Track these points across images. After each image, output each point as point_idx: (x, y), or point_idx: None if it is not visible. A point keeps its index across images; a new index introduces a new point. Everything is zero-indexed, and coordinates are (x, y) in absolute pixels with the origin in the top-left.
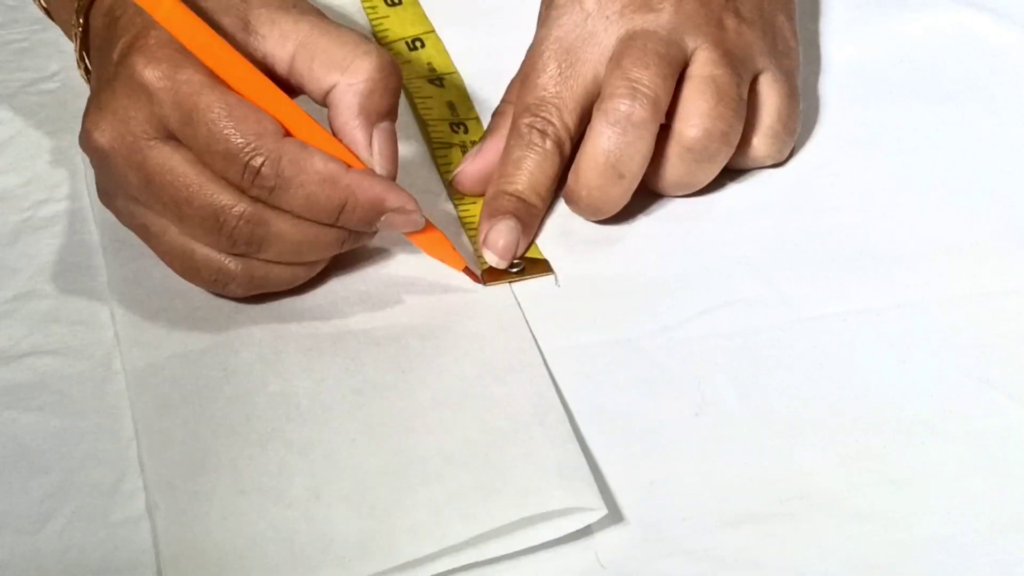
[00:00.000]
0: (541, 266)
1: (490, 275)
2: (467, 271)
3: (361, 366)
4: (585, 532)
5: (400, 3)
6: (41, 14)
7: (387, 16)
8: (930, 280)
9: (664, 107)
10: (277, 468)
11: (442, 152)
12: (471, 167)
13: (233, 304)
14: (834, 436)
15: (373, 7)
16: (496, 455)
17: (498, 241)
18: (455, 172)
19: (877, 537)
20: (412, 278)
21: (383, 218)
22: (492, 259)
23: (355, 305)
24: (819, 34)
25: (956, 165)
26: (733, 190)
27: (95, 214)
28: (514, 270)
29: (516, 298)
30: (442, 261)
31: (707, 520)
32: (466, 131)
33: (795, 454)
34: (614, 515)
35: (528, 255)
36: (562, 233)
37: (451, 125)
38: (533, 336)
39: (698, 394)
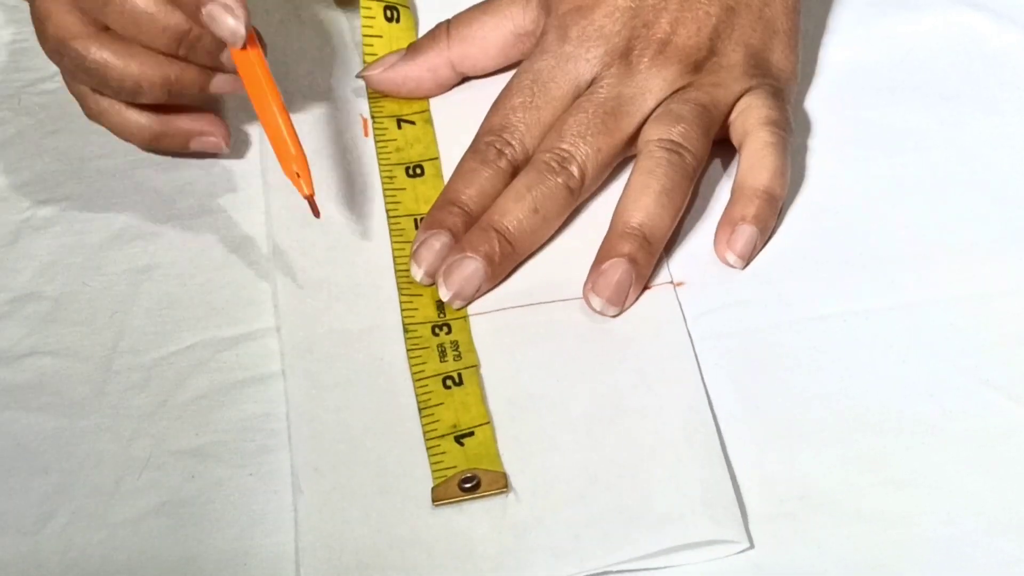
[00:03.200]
0: (496, 480)
1: (441, 497)
2: (310, 201)
3: (517, 372)
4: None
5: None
6: None
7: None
8: (930, 281)
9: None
10: (423, 473)
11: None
12: (384, 75)
13: (392, 284)
14: (834, 436)
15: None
16: (642, 476)
17: (428, 258)
18: (367, 71)
19: (877, 537)
20: (572, 278)
21: (204, 9)
22: (417, 273)
23: (515, 297)
24: (818, 35)
25: (956, 165)
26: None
27: (263, 164)
28: (467, 486)
29: (678, 298)
30: (276, 148)
31: None
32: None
33: (795, 454)
34: None
35: (485, 467)
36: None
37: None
38: (691, 341)
39: None
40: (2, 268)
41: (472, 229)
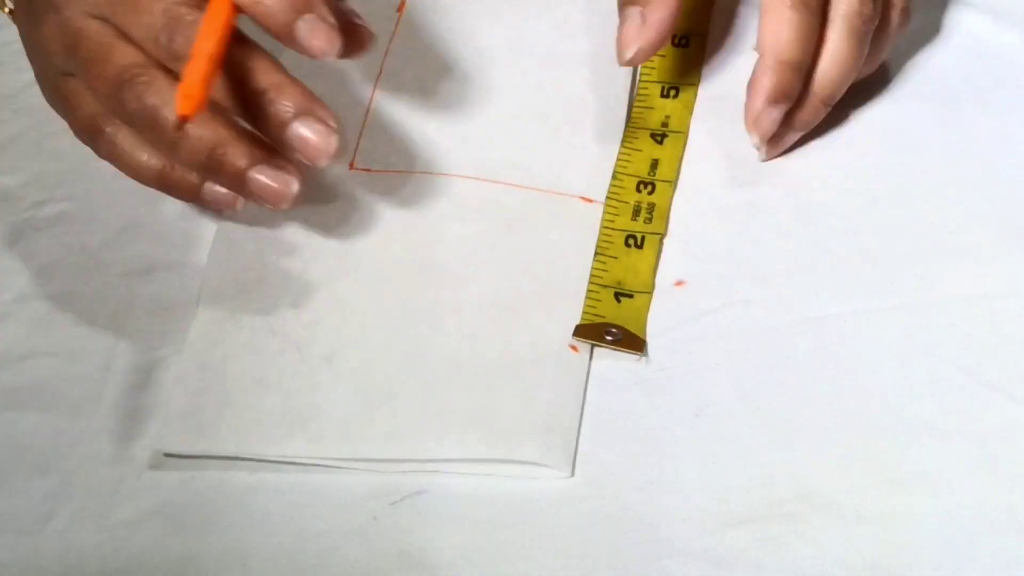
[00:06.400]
0: (636, 343)
1: (582, 334)
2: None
3: (436, 238)
4: (584, 530)
5: (688, 46)
6: None
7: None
8: (930, 281)
9: None
10: (307, 322)
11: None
12: (646, 41)
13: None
14: (834, 436)
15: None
16: (500, 384)
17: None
18: (630, 51)
19: (877, 537)
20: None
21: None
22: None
23: (461, 166)
24: None
25: (956, 166)
26: (732, 190)
27: None
28: (609, 338)
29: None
30: None
31: (707, 520)
32: (652, 191)
33: (795, 454)
34: (613, 515)
35: (630, 328)
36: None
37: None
38: (593, 256)
39: (698, 394)
40: (2, 268)
41: None
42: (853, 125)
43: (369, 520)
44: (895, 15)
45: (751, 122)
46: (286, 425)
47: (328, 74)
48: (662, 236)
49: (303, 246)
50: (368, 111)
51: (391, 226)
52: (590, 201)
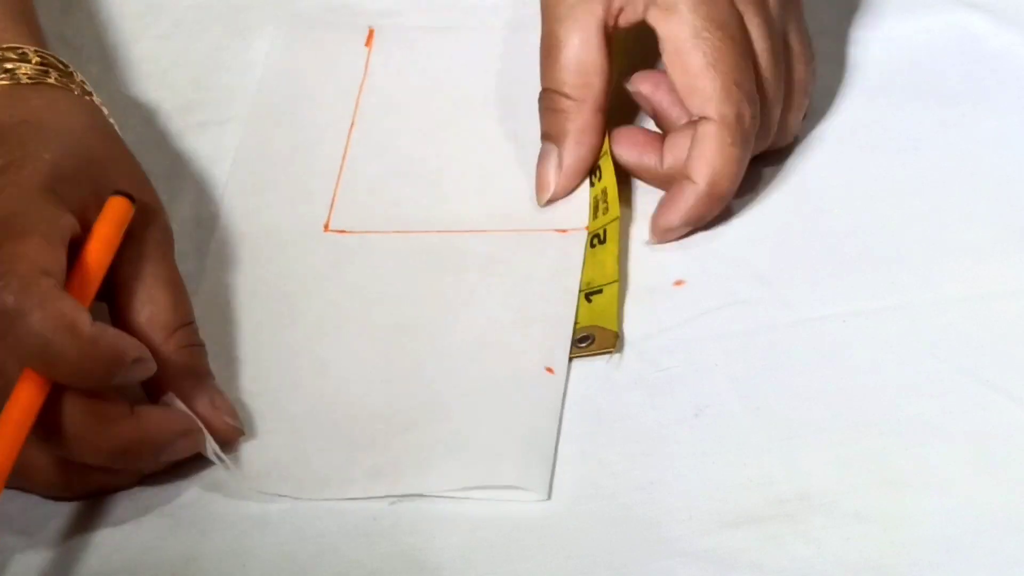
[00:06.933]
0: (607, 339)
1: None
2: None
3: (415, 294)
4: (584, 530)
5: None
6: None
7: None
8: (930, 281)
9: None
10: (289, 384)
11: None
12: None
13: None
14: (834, 436)
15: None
16: (478, 415)
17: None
18: (546, 195)
19: (877, 537)
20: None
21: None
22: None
23: (436, 221)
24: (818, 35)
25: (956, 166)
26: None
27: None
28: (582, 344)
29: (586, 247)
30: None
31: (707, 520)
32: (599, 177)
33: (795, 454)
34: (613, 515)
35: (602, 324)
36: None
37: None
38: (578, 290)
39: (698, 394)
40: None
41: None
42: (853, 125)
43: (369, 520)
44: (796, 97)
45: (659, 232)
46: (268, 476)
47: (299, 129)
48: (618, 219)
49: (282, 313)
50: (341, 170)
51: (369, 287)
52: (565, 232)
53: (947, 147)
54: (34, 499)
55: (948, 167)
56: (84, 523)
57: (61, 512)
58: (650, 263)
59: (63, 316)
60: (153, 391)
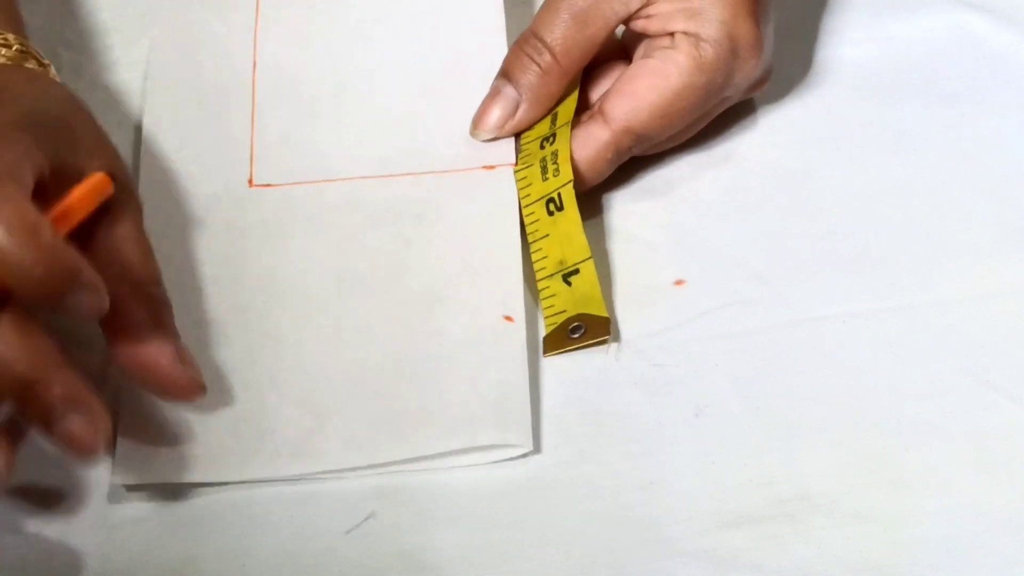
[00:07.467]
0: (600, 326)
1: (550, 348)
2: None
3: (353, 248)
4: (584, 530)
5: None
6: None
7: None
8: (929, 281)
9: None
10: (243, 352)
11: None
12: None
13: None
14: (834, 436)
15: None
16: (444, 374)
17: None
18: (486, 134)
19: (877, 537)
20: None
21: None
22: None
23: (360, 167)
24: (818, 35)
25: (955, 166)
26: (731, 191)
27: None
28: (575, 336)
29: (517, 185)
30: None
31: (707, 520)
32: (553, 141)
33: (795, 454)
34: (613, 515)
35: (590, 311)
36: None
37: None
38: (523, 225)
39: (698, 394)
40: None
41: None
42: (853, 125)
43: (369, 520)
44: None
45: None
46: (240, 451)
47: (202, 81)
48: (571, 182)
49: (222, 278)
50: (253, 120)
51: (306, 244)
52: (492, 168)
53: (947, 147)
54: (34, 499)
55: (948, 167)
56: (84, 523)
57: (61, 512)
58: (650, 263)
59: (25, 217)
60: (118, 346)
